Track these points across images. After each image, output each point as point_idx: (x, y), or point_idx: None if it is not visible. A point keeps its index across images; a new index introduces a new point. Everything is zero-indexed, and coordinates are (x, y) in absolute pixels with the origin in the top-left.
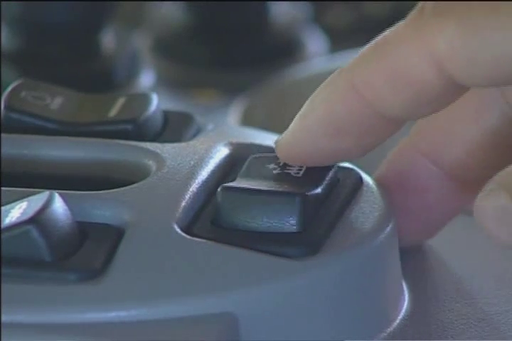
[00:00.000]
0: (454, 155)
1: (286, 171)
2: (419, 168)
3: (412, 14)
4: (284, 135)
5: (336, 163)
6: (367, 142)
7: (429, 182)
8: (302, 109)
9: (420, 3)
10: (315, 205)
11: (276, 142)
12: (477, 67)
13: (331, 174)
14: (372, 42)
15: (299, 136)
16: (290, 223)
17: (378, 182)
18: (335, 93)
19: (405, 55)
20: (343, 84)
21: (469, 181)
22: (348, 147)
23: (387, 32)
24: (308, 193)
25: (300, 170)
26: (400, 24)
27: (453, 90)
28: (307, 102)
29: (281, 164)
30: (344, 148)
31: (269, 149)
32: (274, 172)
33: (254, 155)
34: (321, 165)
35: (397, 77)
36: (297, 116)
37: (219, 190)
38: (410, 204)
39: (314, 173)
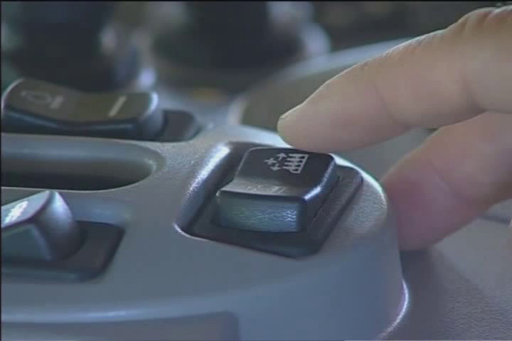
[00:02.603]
0: (466, 171)
1: (284, 168)
2: (427, 181)
3: (453, 27)
4: (290, 115)
5: (333, 152)
6: (370, 138)
7: (435, 196)
8: (315, 93)
9: (463, 18)
10: (315, 205)
11: (281, 120)
12: (503, 95)
13: (329, 171)
14: (405, 45)
15: (307, 121)
16: (290, 224)
17: (385, 188)
18: (354, 86)
19: (435, 68)
20: (365, 81)
21: (476, 199)
22: (352, 140)
23: (422, 37)
24: (308, 197)
25: (299, 166)
26: (438, 33)
27: (471, 110)
28: (321, 88)
29: (279, 159)
30: (347, 140)
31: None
32: (273, 169)
33: (251, 149)
34: (319, 151)
35: (421, 87)
36: (309, 99)
37: (218, 194)
38: (413, 214)
39: (313, 170)
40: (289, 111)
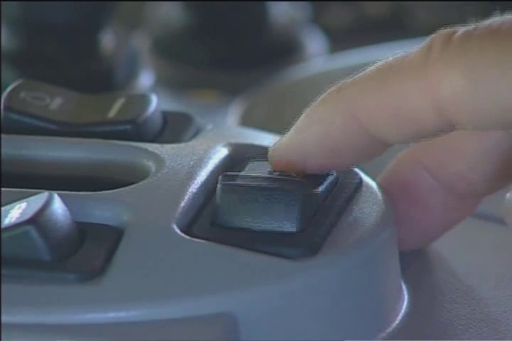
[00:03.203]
0: (455, 169)
1: (285, 173)
2: (420, 181)
3: (420, 50)
4: (279, 145)
5: (323, 172)
6: (360, 159)
7: (429, 194)
8: (299, 122)
9: (429, 39)
10: (315, 205)
11: (270, 151)
12: (479, 117)
13: (331, 174)
14: (376, 69)
15: (294, 149)
16: (290, 225)
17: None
18: (332, 116)
19: (408, 96)
20: (343, 109)
21: (470, 194)
22: (339, 164)
23: (393, 60)
24: (307, 199)
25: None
26: (406, 57)
27: (451, 128)
28: (303, 117)
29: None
30: (336, 162)
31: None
32: (274, 173)
33: (252, 159)
34: (310, 172)
35: (399, 114)
36: (294, 129)
37: (218, 186)
38: (409, 213)
39: (315, 175)
40: (277, 141)
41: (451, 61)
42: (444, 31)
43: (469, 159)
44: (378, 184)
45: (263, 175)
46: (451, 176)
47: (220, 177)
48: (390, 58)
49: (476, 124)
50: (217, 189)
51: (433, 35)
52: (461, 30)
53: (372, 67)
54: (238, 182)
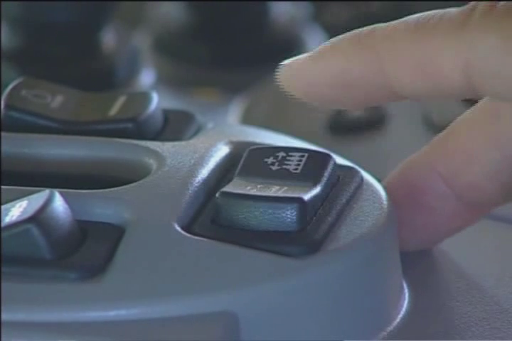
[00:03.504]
0: (470, 177)
1: (284, 167)
2: (430, 186)
3: (461, 11)
4: (290, 65)
5: (328, 107)
6: (366, 102)
7: (438, 201)
8: (318, 50)
9: (473, 3)
10: (316, 203)
11: (281, 67)
12: (504, 84)
13: (329, 170)
14: (414, 20)
15: (306, 77)
16: (290, 224)
17: (387, 189)
18: (357, 52)
19: (440, 51)
20: (369, 49)
21: (479, 203)
22: (347, 101)
23: (433, 13)
24: (307, 197)
25: (298, 165)
26: (447, 14)
27: (470, 93)
28: (325, 45)
29: (279, 158)
30: (343, 100)
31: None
32: (273, 168)
33: (251, 147)
34: (314, 104)
35: (424, 67)
36: (310, 55)
37: (218, 195)
38: (415, 216)
39: (312, 169)
40: (290, 60)
41: (492, 25)
42: None
43: (487, 169)
44: (382, 185)
45: (262, 172)
46: (465, 185)
47: (218, 195)
48: (429, 12)
49: (497, 91)
50: (217, 194)
51: (476, 1)
52: (504, 1)
53: (409, 17)
54: (239, 181)
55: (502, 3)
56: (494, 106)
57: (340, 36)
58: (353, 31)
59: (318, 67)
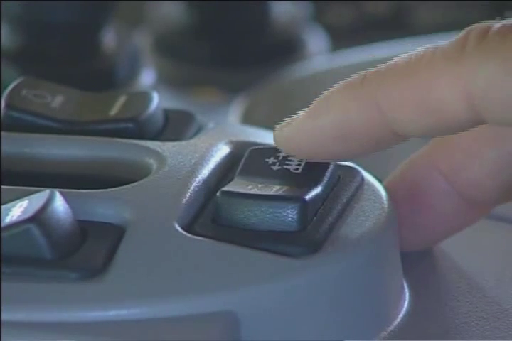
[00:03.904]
0: (472, 175)
1: (285, 167)
2: (432, 184)
3: (455, 42)
4: (288, 126)
5: (332, 161)
6: (369, 150)
7: (439, 199)
8: (314, 106)
9: (465, 32)
10: (316, 203)
11: (278, 131)
12: (510, 111)
13: (330, 170)
14: (406, 59)
15: (306, 134)
16: (291, 223)
17: (388, 189)
18: (354, 101)
19: (438, 85)
20: (365, 96)
21: (480, 201)
22: (351, 151)
23: (423, 51)
24: (308, 197)
25: (299, 165)
26: (439, 48)
27: (476, 123)
28: (320, 101)
29: (280, 158)
30: (347, 151)
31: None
32: (274, 168)
33: (252, 148)
34: (318, 161)
35: (424, 105)
36: (307, 112)
37: (218, 194)
38: (416, 216)
39: (313, 169)
40: (286, 122)
41: (488, 52)
42: (481, 24)
43: (489, 166)
44: (383, 184)
45: (263, 171)
46: (466, 182)
47: (219, 193)
48: (419, 49)
49: (506, 118)
50: (217, 193)
51: (469, 28)
52: (498, 23)
53: (398, 58)
54: (239, 180)
55: (495, 27)
56: None
57: (332, 89)
58: (344, 82)
59: (317, 122)
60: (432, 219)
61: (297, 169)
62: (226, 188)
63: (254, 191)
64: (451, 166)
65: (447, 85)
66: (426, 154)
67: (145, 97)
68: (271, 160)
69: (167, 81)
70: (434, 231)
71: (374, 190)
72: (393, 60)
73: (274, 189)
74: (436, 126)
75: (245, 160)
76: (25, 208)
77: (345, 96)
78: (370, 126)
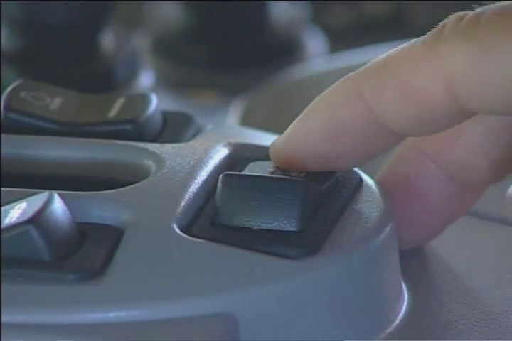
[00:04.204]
0: (458, 155)
1: (287, 173)
2: (422, 170)
3: (432, 32)
4: (280, 138)
5: (330, 169)
6: (364, 151)
7: (432, 184)
8: (303, 112)
9: (442, 23)
10: (315, 205)
11: (272, 145)
12: (487, 92)
13: (329, 171)
14: (388, 52)
15: (298, 138)
16: (290, 225)
17: (380, 185)
18: (341, 98)
19: (417, 72)
20: (351, 91)
21: (473, 184)
22: (346, 154)
23: (403, 46)
24: (309, 191)
25: (301, 172)
26: (419, 39)
27: (461, 114)
28: (309, 105)
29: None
30: (342, 154)
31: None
32: (276, 173)
33: (253, 163)
34: (316, 170)
35: (407, 94)
36: (297, 119)
37: (219, 185)
38: (411, 207)
39: (315, 175)
40: (279, 137)
41: (462, 35)
42: (456, 14)
43: (473, 143)
44: (377, 183)
45: (264, 175)
46: (454, 162)
47: (221, 176)
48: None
49: (481, 102)
50: (218, 188)
51: (446, 19)
52: (471, 12)
53: (382, 55)
54: (239, 181)
55: (470, 14)
56: None
57: (324, 92)
58: (334, 84)
59: (306, 124)
60: (427, 207)
61: (299, 175)
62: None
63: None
64: (437, 149)
65: (425, 72)
66: (410, 141)
67: (144, 99)
68: (273, 169)
69: (166, 83)
70: (432, 222)
71: (372, 192)
72: (378, 57)
73: (276, 176)
74: (422, 118)
75: (246, 169)
76: (24, 210)
77: (334, 94)
78: (359, 122)
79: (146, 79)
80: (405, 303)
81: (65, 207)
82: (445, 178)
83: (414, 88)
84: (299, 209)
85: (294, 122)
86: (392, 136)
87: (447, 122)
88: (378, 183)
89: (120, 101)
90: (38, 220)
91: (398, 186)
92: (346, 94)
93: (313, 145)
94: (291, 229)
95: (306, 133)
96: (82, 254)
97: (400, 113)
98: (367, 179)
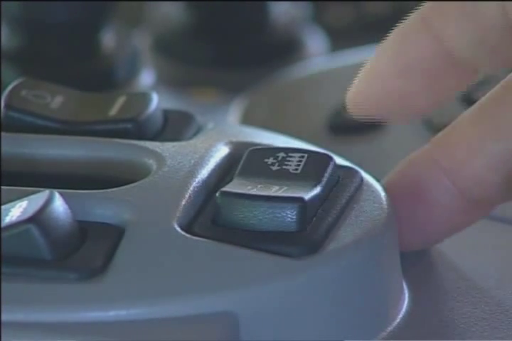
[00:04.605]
0: (474, 170)
1: (284, 167)
2: (433, 181)
3: None
4: (352, 85)
5: (405, 112)
6: (435, 89)
7: (441, 196)
8: (373, 55)
9: None
10: (315, 205)
11: (347, 94)
12: None
13: (329, 171)
14: None
15: (367, 78)
16: (290, 224)
17: (387, 188)
18: (410, 28)
19: None
20: (415, 19)
21: (482, 199)
22: (416, 91)
23: None
24: (308, 197)
25: (298, 165)
26: None
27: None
28: (377, 48)
29: (279, 158)
30: (412, 91)
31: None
32: (273, 168)
33: (251, 148)
34: (389, 113)
35: (468, 11)
36: (367, 63)
37: (217, 194)
38: (416, 214)
39: (312, 170)
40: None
41: None
42: None
43: (489, 161)
44: (382, 183)
45: (262, 172)
46: (469, 178)
47: (218, 194)
48: None
49: None
50: (217, 193)
51: None
52: None
53: None
54: (239, 181)
55: None
56: (494, 101)
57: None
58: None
59: (377, 58)
60: (432, 217)
61: (296, 170)
62: (225, 189)
63: (254, 191)
64: (452, 162)
65: None
66: (426, 151)
67: (144, 98)
68: (270, 160)
69: (166, 81)
70: (432, 231)
71: (373, 191)
72: None
73: (274, 189)
74: (480, 36)
75: (244, 160)
76: (25, 208)
77: (403, 28)
78: (425, 51)
79: (146, 78)
80: (406, 302)
81: (65, 206)
82: (455, 192)
83: (472, 5)
84: (299, 209)
85: (364, 66)
86: (460, 72)
87: (502, 48)
88: (386, 184)
89: (121, 100)
90: (38, 219)
91: (406, 192)
92: (410, 24)
93: (383, 84)
94: (291, 228)
95: (375, 73)
96: (82, 253)
97: (460, 32)
98: (368, 178)
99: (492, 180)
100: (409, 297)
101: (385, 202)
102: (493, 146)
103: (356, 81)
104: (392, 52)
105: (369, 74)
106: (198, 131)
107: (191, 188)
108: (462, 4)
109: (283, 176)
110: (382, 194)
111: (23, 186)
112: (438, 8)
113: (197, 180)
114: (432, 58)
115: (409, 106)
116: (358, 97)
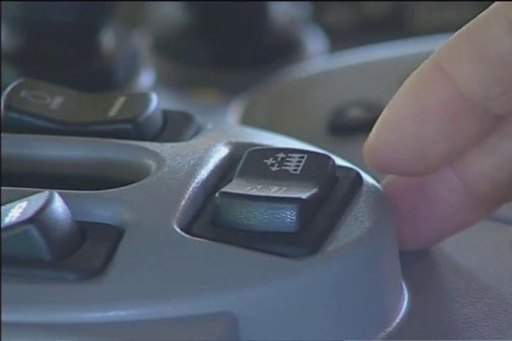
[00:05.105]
0: (482, 168)
1: (284, 168)
2: (441, 179)
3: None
4: (371, 134)
5: (425, 159)
6: (453, 134)
7: (446, 193)
8: (391, 101)
9: None
10: (314, 205)
11: (365, 144)
12: None
13: (328, 171)
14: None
15: (384, 126)
16: (290, 224)
17: (392, 185)
18: (420, 76)
19: (487, 28)
20: (428, 64)
21: (489, 198)
22: (434, 136)
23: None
24: (307, 197)
25: (298, 166)
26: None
27: None
28: (394, 96)
29: (279, 159)
30: (430, 136)
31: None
32: (272, 169)
33: (251, 149)
34: (407, 163)
35: (479, 49)
36: (384, 109)
37: (217, 195)
38: (420, 212)
39: (312, 170)
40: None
41: None
42: None
43: (498, 159)
44: (388, 182)
45: (261, 172)
46: (477, 176)
47: (217, 194)
48: None
49: None
50: (216, 194)
51: None
52: None
53: None
54: (238, 181)
55: None
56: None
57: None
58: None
59: (392, 106)
60: (435, 214)
61: (296, 170)
62: (225, 189)
63: (253, 192)
64: (463, 161)
65: (494, 25)
66: None
67: (144, 98)
68: (270, 161)
69: (166, 82)
70: (436, 228)
71: (373, 191)
72: None
73: (273, 190)
74: (493, 73)
75: (244, 161)
76: (25, 209)
77: (413, 75)
78: (440, 94)
79: (146, 78)
80: (405, 303)
81: (65, 206)
82: (463, 191)
83: (483, 42)
84: (299, 209)
85: (381, 114)
86: (477, 117)
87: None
88: (389, 183)
89: (120, 101)
90: (38, 219)
91: (410, 189)
92: (424, 68)
93: (399, 129)
94: (291, 228)
95: (392, 119)
96: (82, 253)
97: (472, 72)
98: (367, 178)
99: (499, 178)
100: (408, 297)
101: (384, 202)
102: (504, 144)
103: (373, 130)
104: (407, 99)
105: (385, 122)
106: (198, 131)
107: (191, 189)
108: (474, 45)
109: (282, 177)
110: (382, 194)
111: (22, 186)
112: (450, 51)
113: (196, 180)
114: (447, 102)
115: (429, 153)
116: (375, 145)
